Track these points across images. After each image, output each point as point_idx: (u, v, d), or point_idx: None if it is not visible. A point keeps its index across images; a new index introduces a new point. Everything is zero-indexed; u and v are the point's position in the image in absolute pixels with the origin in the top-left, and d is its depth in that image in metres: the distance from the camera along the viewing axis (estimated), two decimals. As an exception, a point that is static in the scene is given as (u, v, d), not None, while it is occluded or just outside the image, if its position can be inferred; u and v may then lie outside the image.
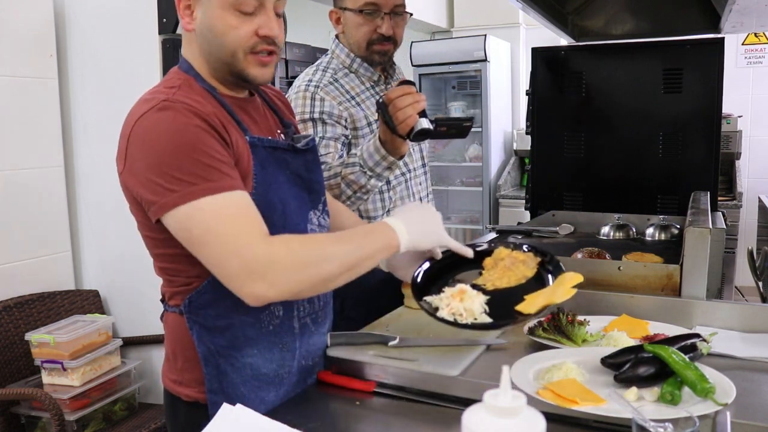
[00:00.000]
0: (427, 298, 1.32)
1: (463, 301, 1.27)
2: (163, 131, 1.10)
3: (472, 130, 6.09)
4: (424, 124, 1.51)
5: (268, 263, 1.07)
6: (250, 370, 1.24)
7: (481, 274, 1.40)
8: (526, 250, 1.42)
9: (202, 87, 1.22)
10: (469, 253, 1.37)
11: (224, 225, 1.08)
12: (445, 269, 1.40)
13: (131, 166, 1.14)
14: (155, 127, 1.11)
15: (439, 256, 1.39)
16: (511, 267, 1.39)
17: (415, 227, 1.24)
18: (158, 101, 1.13)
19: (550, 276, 1.36)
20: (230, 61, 1.20)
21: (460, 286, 1.31)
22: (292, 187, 1.28)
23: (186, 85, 1.20)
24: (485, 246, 1.46)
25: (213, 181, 1.08)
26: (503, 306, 1.29)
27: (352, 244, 1.17)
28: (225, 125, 1.17)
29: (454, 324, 1.25)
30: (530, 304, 1.27)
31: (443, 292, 1.31)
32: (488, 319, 1.26)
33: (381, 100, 1.55)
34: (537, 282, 1.35)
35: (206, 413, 1.21)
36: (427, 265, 1.39)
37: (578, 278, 1.28)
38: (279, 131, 1.36)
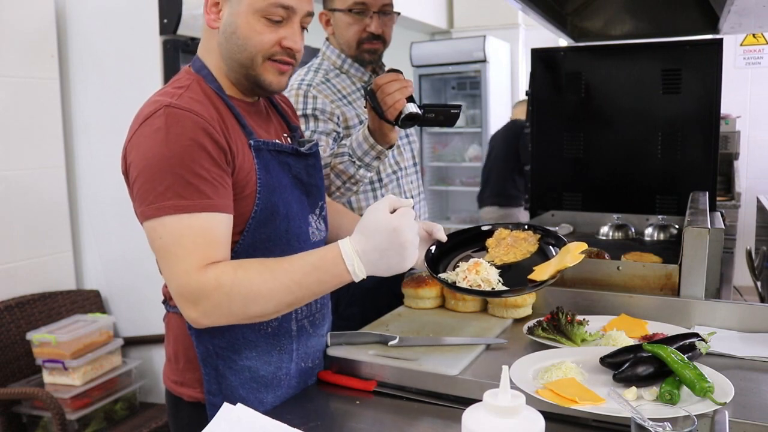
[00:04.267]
0: (442, 275, 1.34)
1: (479, 273, 1.30)
2: (158, 141, 1.12)
3: (472, 130, 6.05)
4: (412, 108, 1.51)
5: (197, 293, 1.09)
6: (249, 372, 1.25)
7: (487, 252, 1.44)
8: (525, 228, 1.47)
9: (211, 88, 1.23)
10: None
11: (176, 246, 1.10)
12: (449, 251, 1.43)
13: (127, 170, 1.17)
14: (152, 135, 1.13)
15: (444, 238, 1.40)
16: (514, 244, 1.43)
17: (373, 261, 1.13)
18: (161, 105, 1.14)
19: (552, 248, 1.39)
20: (248, 64, 1.22)
21: (474, 259, 1.35)
22: (293, 190, 1.29)
23: (195, 85, 1.21)
24: (488, 227, 1.50)
25: (186, 198, 1.10)
26: (515, 277, 1.33)
27: (293, 284, 1.12)
28: (227, 130, 1.18)
29: (476, 292, 1.29)
30: (542, 272, 1.31)
31: (458, 267, 1.35)
32: (505, 288, 1.30)
33: (369, 88, 1.55)
34: (541, 255, 1.39)
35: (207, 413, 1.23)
36: (433, 247, 1.41)
37: (583, 245, 1.31)
38: (285, 135, 1.37)
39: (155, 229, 1.11)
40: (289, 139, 1.37)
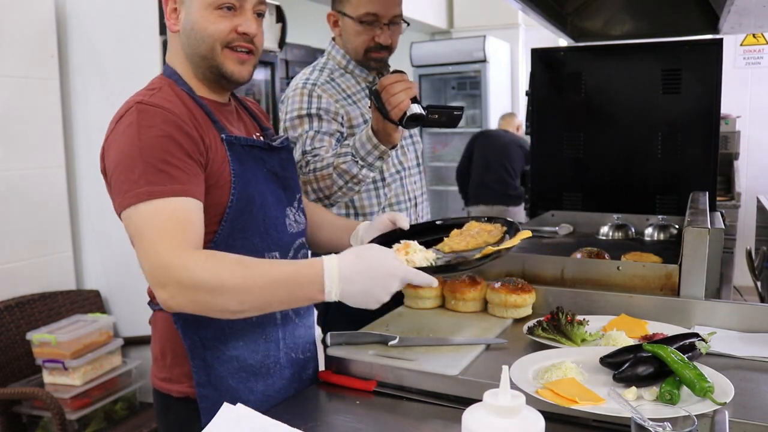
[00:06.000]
0: None
1: (408, 254, 1.29)
2: (130, 136, 1.17)
3: (472, 130, 6.07)
4: (416, 109, 1.53)
5: (165, 274, 1.11)
6: (237, 362, 1.28)
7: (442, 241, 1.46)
8: (493, 221, 1.49)
9: (182, 89, 1.28)
10: (434, 282, 1.25)
11: (148, 229, 1.13)
12: (411, 236, 1.43)
13: (105, 166, 1.23)
14: (125, 131, 1.19)
15: (407, 227, 1.45)
16: (475, 235, 1.44)
17: (352, 294, 1.16)
18: (134, 103, 1.21)
19: (507, 238, 1.40)
20: (209, 55, 1.27)
21: (405, 241, 1.34)
22: (269, 184, 1.33)
23: (167, 87, 1.27)
24: (458, 220, 1.53)
25: (158, 185, 1.14)
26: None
27: (264, 286, 1.13)
28: (199, 125, 1.23)
29: (421, 269, 1.26)
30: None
31: (392, 248, 1.34)
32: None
33: (374, 88, 1.57)
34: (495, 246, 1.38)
35: (197, 408, 1.25)
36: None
37: (526, 234, 1.35)
38: (257, 134, 1.42)
39: (130, 216, 1.15)
40: (261, 137, 1.41)
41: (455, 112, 1.64)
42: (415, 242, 1.34)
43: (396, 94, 1.52)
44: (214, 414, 1.16)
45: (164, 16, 1.31)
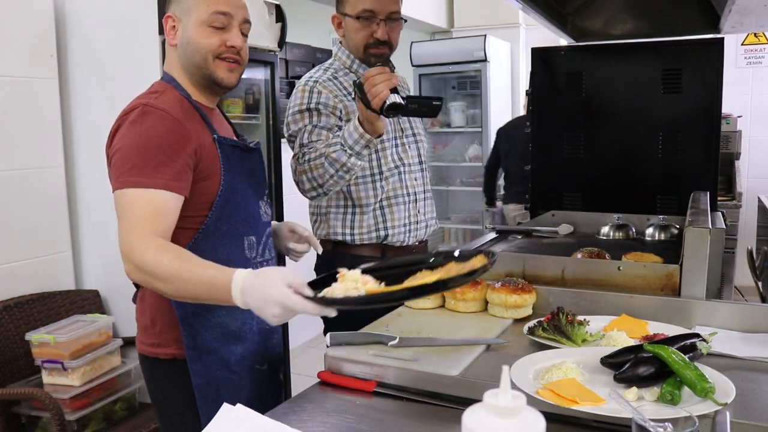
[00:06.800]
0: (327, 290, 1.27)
1: (342, 282, 1.25)
2: (132, 132, 1.38)
3: (472, 130, 6.07)
4: (395, 98, 1.64)
5: (130, 254, 1.32)
6: (220, 328, 1.49)
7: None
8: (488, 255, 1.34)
9: (180, 94, 1.49)
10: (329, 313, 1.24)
11: (128, 213, 1.35)
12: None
13: (108, 152, 1.43)
14: (129, 127, 1.39)
15: (305, 234, 1.73)
16: (454, 269, 1.30)
17: (249, 303, 1.25)
18: (140, 104, 1.41)
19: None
20: (203, 64, 1.49)
21: (343, 270, 1.29)
22: (248, 178, 1.56)
23: (168, 91, 1.48)
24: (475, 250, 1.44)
25: (145, 177, 1.35)
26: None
27: (188, 283, 1.28)
28: (194, 125, 1.44)
29: (311, 299, 1.21)
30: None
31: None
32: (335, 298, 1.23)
33: (358, 81, 1.69)
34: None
35: (184, 367, 1.46)
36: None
37: (433, 277, 1.25)
38: (236, 138, 1.62)
39: (118, 198, 1.37)
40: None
41: (434, 102, 1.72)
42: (356, 271, 1.28)
43: (377, 85, 1.63)
44: (202, 373, 1.46)
45: (164, 32, 1.50)
